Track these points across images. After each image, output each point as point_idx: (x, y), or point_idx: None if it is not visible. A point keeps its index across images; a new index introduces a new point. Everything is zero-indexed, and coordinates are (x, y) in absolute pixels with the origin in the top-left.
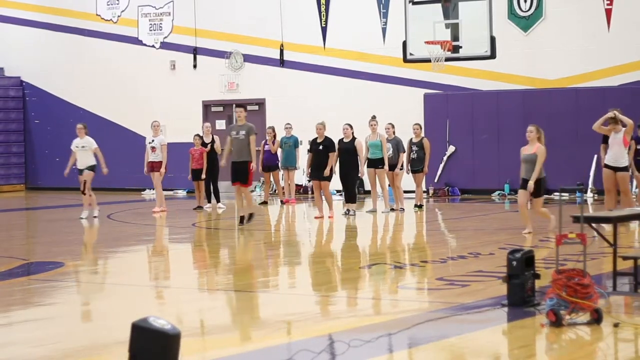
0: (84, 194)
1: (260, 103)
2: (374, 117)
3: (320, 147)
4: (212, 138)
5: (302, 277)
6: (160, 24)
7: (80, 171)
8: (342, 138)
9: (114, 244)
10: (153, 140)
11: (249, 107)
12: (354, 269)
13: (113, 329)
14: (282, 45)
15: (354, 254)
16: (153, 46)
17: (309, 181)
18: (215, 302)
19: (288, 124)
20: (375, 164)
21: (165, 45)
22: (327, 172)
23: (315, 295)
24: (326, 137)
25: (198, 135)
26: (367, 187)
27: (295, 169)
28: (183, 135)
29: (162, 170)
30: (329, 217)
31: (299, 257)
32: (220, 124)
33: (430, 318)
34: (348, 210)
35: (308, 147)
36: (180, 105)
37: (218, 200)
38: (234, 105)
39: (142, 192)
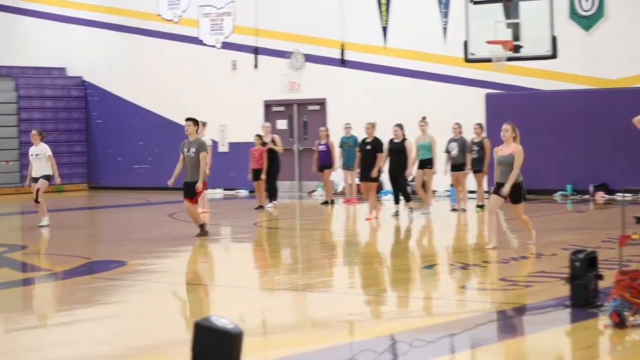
0: (37, 202)
1: (321, 103)
2: (423, 118)
3: (368, 147)
4: (272, 138)
5: (363, 277)
6: (221, 24)
7: (35, 179)
8: (393, 138)
9: (175, 243)
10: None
11: (310, 107)
12: (415, 269)
13: (175, 327)
14: (342, 45)
15: (416, 254)
16: (214, 46)
17: (360, 181)
18: (276, 302)
19: (347, 123)
20: (424, 164)
21: (226, 45)
22: (374, 172)
23: (377, 295)
24: (375, 137)
25: (258, 135)
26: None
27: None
28: (244, 135)
29: (207, 171)
30: (375, 218)
31: (359, 257)
32: (282, 124)
33: (492, 319)
34: (397, 211)
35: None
36: (241, 105)
37: (272, 200)
38: (296, 106)
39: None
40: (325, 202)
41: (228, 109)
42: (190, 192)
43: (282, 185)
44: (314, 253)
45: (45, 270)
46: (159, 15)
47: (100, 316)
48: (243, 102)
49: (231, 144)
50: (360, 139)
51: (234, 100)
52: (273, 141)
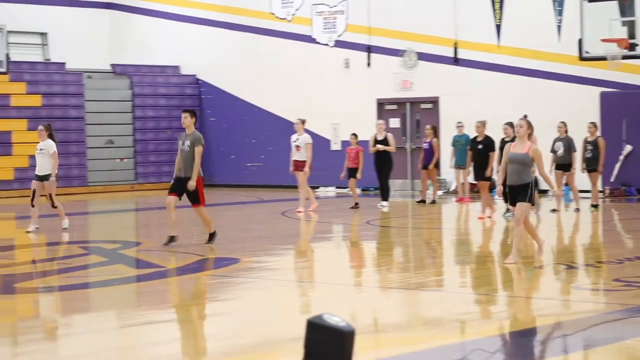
0: (33, 206)
1: (434, 101)
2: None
3: (480, 147)
4: (385, 136)
5: (474, 276)
6: (334, 22)
7: (40, 178)
8: (504, 137)
9: (288, 240)
10: (297, 139)
11: (422, 105)
12: (527, 269)
13: (287, 325)
14: (456, 43)
15: (527, 253)
16: (327, 44)
17: (475, 180)
18: (387, 300)
19: (460, 122)
20: None
21: (339, 44)
22: (487, 172)
23: (488, 295)
24: (486, 136)
25: (354, 134)
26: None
27: (467, 167)
28: (358, 133)
29: (306, 169)
30: (488, 217)
31: (470, 256)
32: (395, 122)
33: (606, 320)
34: (508, 210)
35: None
36: (354, 104)
37: (385, 199)
38: (408, 104)
39: (316, 190)
40: (422, 201)
41: (341, 107)
42: (193, 196)
43: (394, 183)
44: (425, 252)
45: (159, 267)
46: (273, 13)
47: (212, 313)
48: (356, 101)
49: (344, 142)
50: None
51: (347, 98)
52: (386, 139)
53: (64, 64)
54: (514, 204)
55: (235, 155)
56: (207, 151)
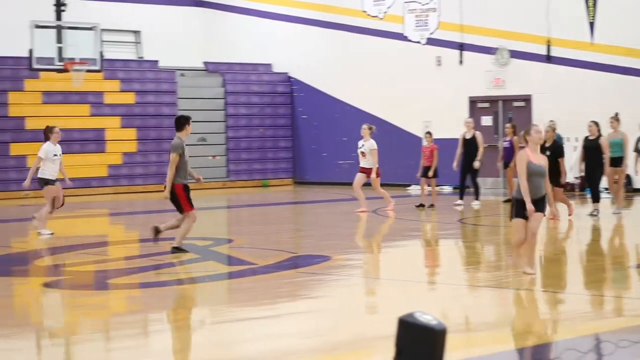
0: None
1: (527, 99)
2: (616, 115)
3: (547, 153)
4: (474, 134)
5: (568, 275)
6: (426, 20)
7: (54, 182)
8: (588, 135)
9: (379, 238)
10: (363, 145)
11: (515, 103)
12: (622, 268)
13: (378, 322)
14: (548, 41)
15: (621, 252)
16: (419, 42)
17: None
18: (478, 299)
19: (551, 120)
20: (616, 162)
21: (431, 41)
22: (562, 179)
23: (582, 294)
24: (555, 141)
25: (429, 132)
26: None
27: None
28: (449, 131)
29: (373, 176)
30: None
31: (564, 255)
32: (487, 120)
33: None
34: (595, 210)
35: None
36: (445, 101)
37: (476, 197)
38: (501, 102)
39: (408, 188)
40: (508, 200)
41: (433, 105)
42: (176, 206)
43: (486, 182)
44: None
45: (250, 263)
46: (364, 11)
47: (304, 310)
48: (448, 98)
49: (436, 140)
50: (563, 137)
51: (439, 96)
52: (474, 137)
53: (157, 61)
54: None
55: (327, 153)
56: (299, 149)
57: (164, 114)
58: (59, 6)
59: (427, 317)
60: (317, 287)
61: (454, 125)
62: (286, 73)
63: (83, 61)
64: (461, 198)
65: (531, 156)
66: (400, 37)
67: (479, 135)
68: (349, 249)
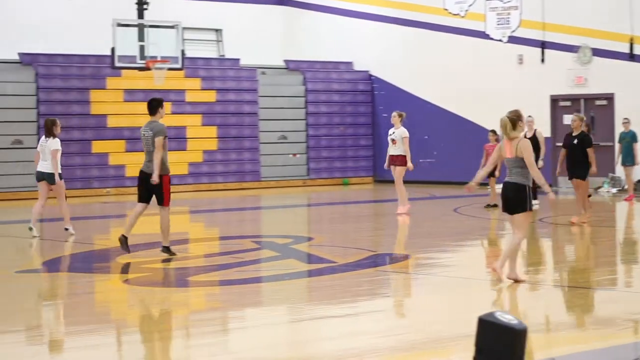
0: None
1: (609, 98)
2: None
3: (575, 142)
4: (535, 133)
5: None
6: (508, 17)
7: (42, 175)
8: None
9: (460, 237)
10: (394, 132)
11: (597, 102)
12: None
13: (457, 322)
14: (631, 39)
15: None
16: (500, 40)
17: None
18: (559, 298)
19: (625, 118)
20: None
21: (512, 39)
22: (593, 169)
23: None
24: (582, 131)
25: (493, 130)
26: None
27: (634, 165)
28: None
29: (409, 164)
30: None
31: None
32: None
33: None
34: None
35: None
36: (527, 100)
37: (535, 197)
38: (583, 100)
39: (487, 187)
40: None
41: (514, 103)
42: (156, 192)
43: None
44: (600, 250)
45: (330, 262)
46: (446, 9)
47: (383, 309)
48: (529, 97)
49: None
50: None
51: (520, 94)
52: (535, 136)
53: (238, 60)
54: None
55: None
56: (379, 147)
57: (244, 112)
58: (141, 5)
59: (508, 316)
60: (397, 285)
61: (536, 123)
62: (367, 71)
63: (164, 59)
64: (535, 197)
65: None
66: (482, 35)
67: (539, 134)
68: (429, 248)
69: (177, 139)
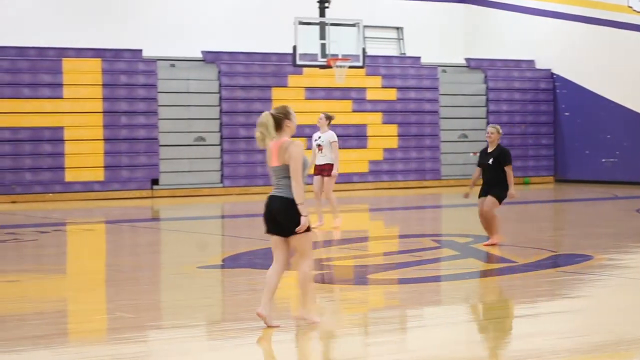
0: None
1: None
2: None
3: None
4: None
5: None
6: None
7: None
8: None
9: None
10: (320, 137)
11: None
12: None
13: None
14: None
15: None
16: None
17: None
18: None
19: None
20: None
21: None
22: None
23: None
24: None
25: None
26: None
27: None
28: None
29: (334, 172)
30: None
31: None
32: None
33: None
34: None
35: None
36: None
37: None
38: None
39: None
40: None
41: None
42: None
43: None
44: None
45: (510, 261)
46: (630, 7)
47: (563, 310)
48: None
49: None
50: None
51: None
52: None
53: (419, 58)
54: None
55: (590, 151)
56: (561, 146)
57: (425, 110)
58: (323, 3)
59: None
60: (578, 286)
61: None
62: (549, 69)
63: (346, 57)
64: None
65: None
66: None
67: None
68: (612, 249)
69: (358, 137)
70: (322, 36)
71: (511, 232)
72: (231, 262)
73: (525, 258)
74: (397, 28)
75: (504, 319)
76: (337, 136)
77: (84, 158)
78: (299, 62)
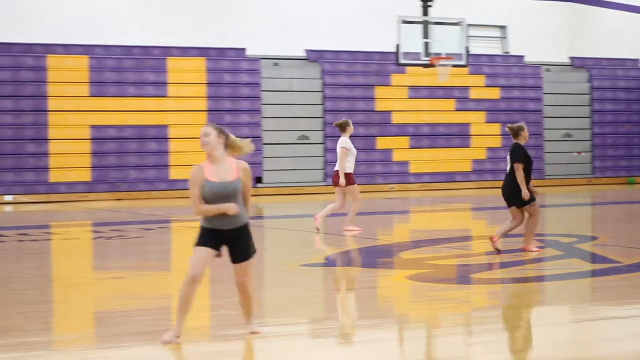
0: None
1: None
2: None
3: None
4: None
5: None
6: None
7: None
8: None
9: None
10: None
11: None
12: None
13: None
14: None
15: None
16: None
17: None
18: None
19: None
20: None
21: None
22: None
23: None
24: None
25: None
26: None
27: None
28: None
29: (342, 181)
30: None
31: None
32: None
33: None
34: None
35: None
36: None
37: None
38: None
39: None
40: None
41: None
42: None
43: None
44: None
45: (615, 262)
46: None
47: None
48: None
49: None
50: None
51: None
52: None
53: (522, 56)
54: None
55: None
56: None
57: (529, 109)
58: (426, 2)
59: None
60: None
61: None
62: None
63: (449, 56)
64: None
65: None
66: None
67: None
68: None
69: (461, 135)
70: (425, 35)
71: (616, 232)
72: (334, 260)
73: (631, 258)
74: (501, 27)
75: (609, 319)
76: (440, 135)
77: (188, 156)
78: (402, 60)
